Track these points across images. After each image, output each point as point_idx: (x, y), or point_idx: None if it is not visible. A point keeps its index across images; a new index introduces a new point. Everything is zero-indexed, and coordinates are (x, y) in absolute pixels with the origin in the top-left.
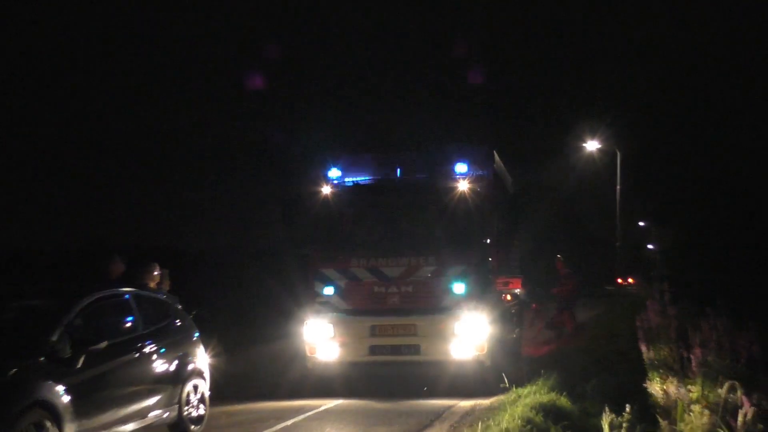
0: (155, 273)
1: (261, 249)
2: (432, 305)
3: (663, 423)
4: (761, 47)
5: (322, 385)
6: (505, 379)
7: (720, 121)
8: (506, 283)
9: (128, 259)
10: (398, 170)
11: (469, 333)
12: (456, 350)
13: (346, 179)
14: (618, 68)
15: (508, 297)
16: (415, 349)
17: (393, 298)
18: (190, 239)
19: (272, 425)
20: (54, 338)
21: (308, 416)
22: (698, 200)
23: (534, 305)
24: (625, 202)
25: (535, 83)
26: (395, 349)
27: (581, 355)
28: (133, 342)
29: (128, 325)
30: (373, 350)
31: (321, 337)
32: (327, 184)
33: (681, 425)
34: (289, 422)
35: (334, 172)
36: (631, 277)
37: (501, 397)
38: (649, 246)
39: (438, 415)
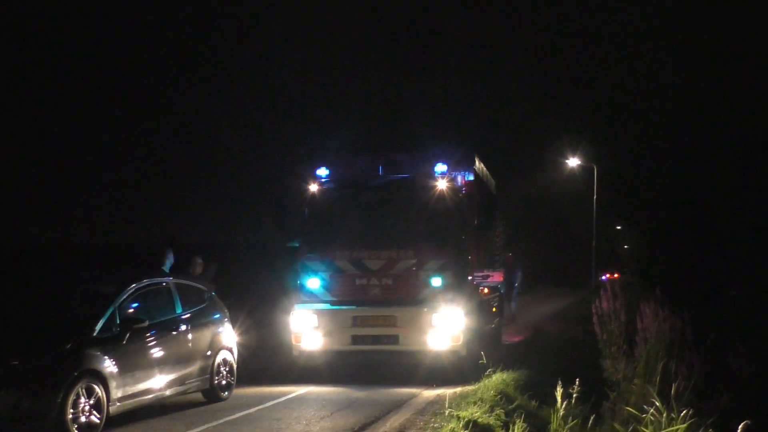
0: (198, 264)
1: (252, 242)
2: (411, 297)
3: (611, 394)
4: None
5: (306, 371)
6: (484, 358)
7: (683, 144)
8: (486, 277)
9: (177, 253)
10: (381, 169)
11: (446, 324)
12: (433, 341)
13: (333, 178)
14: (597, 91)
15: (486, 290)
16: (394, 340)
17: (374, 289)
18: (228, 233)
19: (236, 413)
20: (105, 318)
21: (275, 403)
22: (661, 209)
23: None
24: (602, 208)
25: (521, 101)
26: (376, 339)
27: (555, 337)
28: (172, 321)
29: (168, 307)
30: (355, 340)
31: (306, 327)
32: (315, 182)
33: (626, 396)
34: (253, 409)
35: (322, 171)
36: (617, 272)
37: (470, 387)
38: (626, 246)
39: (401, 403)
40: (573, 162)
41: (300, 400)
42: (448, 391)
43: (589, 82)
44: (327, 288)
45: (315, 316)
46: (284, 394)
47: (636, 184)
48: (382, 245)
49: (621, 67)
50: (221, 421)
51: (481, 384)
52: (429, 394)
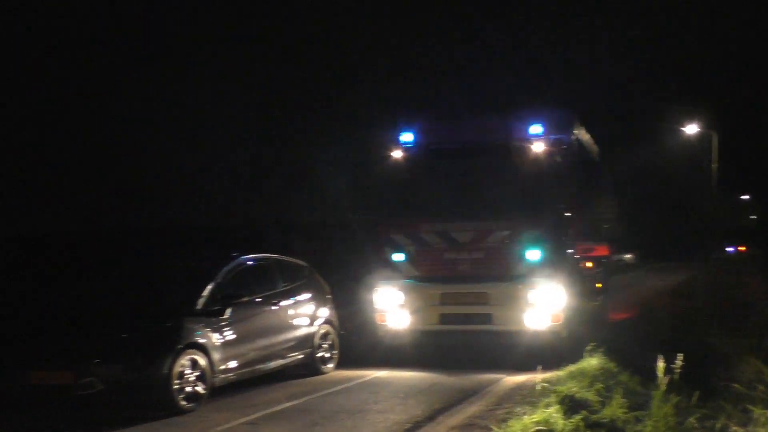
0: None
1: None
2: (504, 272)
3: (719, 371)
4: None
5: (390, 352)
6: (588, 335)
7: None
8: (588, 250)
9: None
10: (471, 134)
11: (544, 302)
12: (530, 320)
13: (418, 143)
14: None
15: (588, 264)
16: (486, 319)
17: (464, 264)
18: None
19: (307, 395)
20: (205, 294)
21: (342, 388)
22: None
23: None
24: (723, 177)
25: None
26: (466, 318)
27: (664, 313)
28: (272, 297)
29: (269, 283)
30: (444, 319)
31: (391, 305)
32: (399, 149)
33: (735, 373)
34: (318, 394)
35: (406, 136)
36: (744, 245)
37: (570, 368)
38: (752, 216)
39: (479, 390)
40: (690, 129)
41: (388, 380)
42: (545, 375)
43: (707, 41)
44: (412, 263)
45: (400, 293)
46: (370, 375)
47: (761, 152)
48: (471, 216)
49: (742, 21)
50: (320, 393)
51: (583, 362)
52: (530, 376)
